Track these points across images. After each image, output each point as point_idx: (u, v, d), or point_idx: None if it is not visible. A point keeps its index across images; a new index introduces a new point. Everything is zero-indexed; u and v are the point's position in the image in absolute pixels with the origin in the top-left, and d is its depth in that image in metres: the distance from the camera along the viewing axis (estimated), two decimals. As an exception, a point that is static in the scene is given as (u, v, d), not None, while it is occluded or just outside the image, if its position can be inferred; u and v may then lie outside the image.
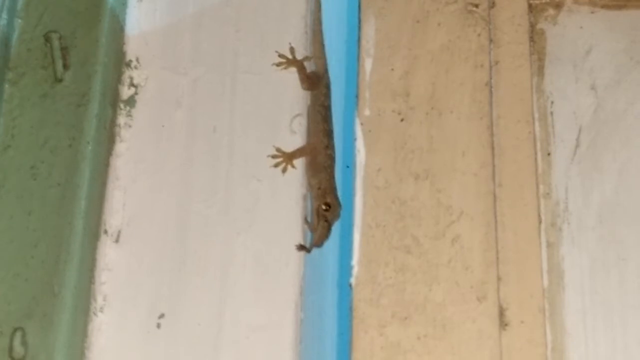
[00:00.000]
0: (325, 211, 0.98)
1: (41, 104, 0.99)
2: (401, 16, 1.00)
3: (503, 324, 0.88)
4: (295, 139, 1.03)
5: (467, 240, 0.90)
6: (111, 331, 0.97)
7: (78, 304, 0.95)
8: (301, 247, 0.98)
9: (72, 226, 0.96)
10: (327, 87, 1.06)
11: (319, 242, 0.98)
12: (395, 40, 0.99)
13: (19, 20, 1.01)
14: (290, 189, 1.01)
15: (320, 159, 1.01)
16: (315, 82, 1.05)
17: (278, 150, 1.02)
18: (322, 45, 1.07)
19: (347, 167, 1.00)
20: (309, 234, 1.00)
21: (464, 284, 0.88)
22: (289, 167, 1.01)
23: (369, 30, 1.00)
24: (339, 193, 1.01)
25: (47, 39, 1.01)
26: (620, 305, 0.92)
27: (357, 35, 1.01)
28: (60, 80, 1.00)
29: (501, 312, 0.88)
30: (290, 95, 1.05)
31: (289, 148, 1.02)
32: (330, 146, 1.02)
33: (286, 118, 1.04)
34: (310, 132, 1.03)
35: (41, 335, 0.90)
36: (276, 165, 1.01)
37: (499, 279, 0.89)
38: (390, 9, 1.01)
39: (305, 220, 0.99)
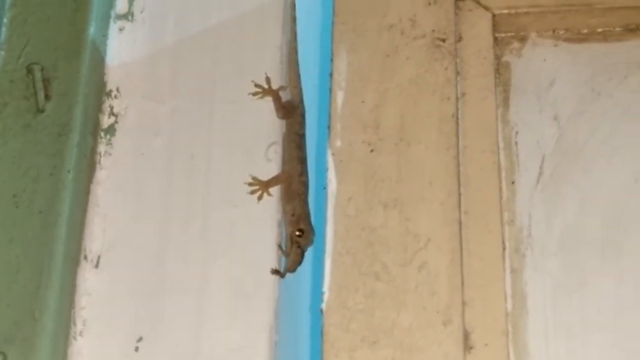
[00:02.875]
0: (299, 237, 1.00)
1: (23, 134, 1.01)
2: (372, 51, 1.03)
3: (468, 347, 0.91)
4: (270, 167, 1.05)
5: (434, 267, 0.93)
6: (91, 355, 0.99)
7: (58, 328, 0.97)
8: (275, 272, 1.00)
9: (53, 252, 0.98)
10: (302, 115, 1.08)
11: (292, 267, 1.00)
12: (365, 74, 1.02)
13: (2, 53, 1.04)
14: (266, 215, 1.03)
15: (295, 186, 1.04)
16: (291, 111, 1.08)
17: (254, 179, 1.04)
18: (298, 75, 1.10)
19: (324, 188, 1.02)
20: (284, 259, 1.02)
21: (431, 309, 0.91)
22: (265, 194, 1.04)
23: (341, 64, 1.03)
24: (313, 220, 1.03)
25: (29, 70, 1.04)
26: (581, 328, 0.94)
27: (329, 69, 1.04)
28: (42, 111, 1.03)
29: (466, 336, 0.91)
30: (266, 123, 1.07)
31: (264, 175, 1.04)
32: (304, 173, 1.05)
33: (262, 146, 1.06)
34: (285, 160, 1.05)
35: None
36: (252, 193, 1.04)
37: (464, 303, 0.92)
38: (361, 43, 1.03)
39: (279, 246, 1.01)
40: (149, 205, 1.06)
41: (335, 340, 0.91)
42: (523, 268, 0.97)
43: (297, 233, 1.01)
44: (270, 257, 1.01)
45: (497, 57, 1.06)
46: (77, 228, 1.03)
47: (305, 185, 1.05)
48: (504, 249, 0.96)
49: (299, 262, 1.00)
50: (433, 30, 1.03)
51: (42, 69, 1.04)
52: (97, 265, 1.03)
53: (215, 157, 1.07)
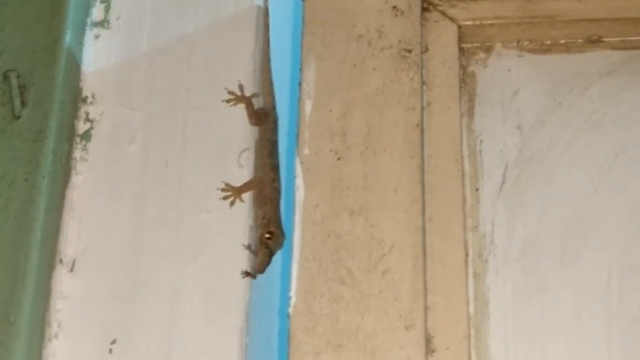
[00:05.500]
0: (268, 239, 1.02)
1: (-1, 140, 1.03)
2: (339, 61, 1.05)
3: (430, 350, 0.93)
4: (242, 173, 1.07)
5: (397, 272, 0.95)
6: (65, 357, 1.01)
7: (33, 331, 0.99)
8: (246, 274, 1.02)
9: (28, 256, 1.00)
10: (275, 122, 1.10)
11: (260, 268, 1.01)
12: (333, 84, 1.04)
13: (-22, 60, 1.06)
14: (237, 221, 1.05)
15: (267, 192, 1.05)
16: (263, 117, 1.10)
17: (227, 185, 1.06)
18: (270, 83, 1.12)
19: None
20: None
21: (394, 313, 0.93)
22: (237, 200, 1.06)
23: (310, 74, 1.05)
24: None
25: (5, 77, 1.05)
26: (540, 331, 0.97)
27: (298, 78, 1.06)
28: (18, 118, 1.04)
29: (428, 340, 0.93)
30: (239, 130, 1.09)
31: (236, 181, 1.06)
32: (276, 179, 1.06)
33: (234, 152, 1.08)
34: (257, 166, 1.07)
35: (-4, 363, 0.94)
36: (225, 198, 1.06)
37: (427, 308, 0.94)
38: (330, 53, 1.06)
39: (248, 247, 1.03)
40: (124, 210, 1.08)
41: (301, 344, 0.93)
42: (485, 273, 1.00)
43: (267, 235, 1.03)
44: (242, 261, 1.03)
45: (463, 67, 1.09)
46: (53, 232, 1.05)
47: (277, 191, 1.07)
48: (466, 254, 0.99)
49: (267, 263, 1.02)
50: (400, 41, 1.05)
51: (18, 76, 1.06)
52: (72, 269, 1.05)
53: (189, 163, 1.09)
